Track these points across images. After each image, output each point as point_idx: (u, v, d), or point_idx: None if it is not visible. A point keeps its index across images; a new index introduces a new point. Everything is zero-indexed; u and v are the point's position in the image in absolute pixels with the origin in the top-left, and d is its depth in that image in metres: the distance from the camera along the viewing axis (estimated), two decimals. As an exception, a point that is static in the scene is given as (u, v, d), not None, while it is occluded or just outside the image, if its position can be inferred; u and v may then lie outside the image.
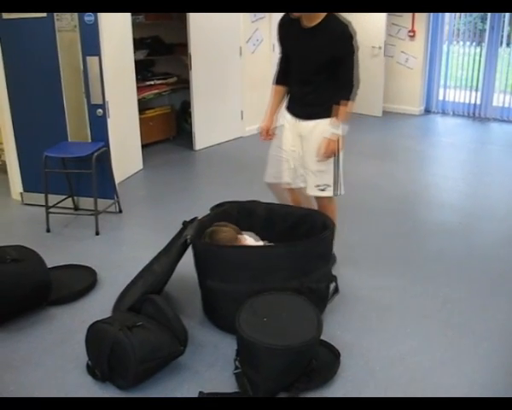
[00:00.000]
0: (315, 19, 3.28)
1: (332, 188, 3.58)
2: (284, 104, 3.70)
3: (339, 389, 2.73)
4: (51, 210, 4.66)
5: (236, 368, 2.76)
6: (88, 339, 2.84)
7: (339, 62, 3.30)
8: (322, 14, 3.27)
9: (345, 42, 3.28)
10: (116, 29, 5.40)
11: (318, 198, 3.69)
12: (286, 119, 3.66)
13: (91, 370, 2.81)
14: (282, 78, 3.66)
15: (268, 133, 3.72)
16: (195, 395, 2.65)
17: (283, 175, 3.69)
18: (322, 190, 3.58)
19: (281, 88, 3.68)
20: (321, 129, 3.46)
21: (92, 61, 4.61)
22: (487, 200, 5.34)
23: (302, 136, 3.56)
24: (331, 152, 3.46)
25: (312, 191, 3.63)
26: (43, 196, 4.61)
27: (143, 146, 6.33)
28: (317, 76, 3.41)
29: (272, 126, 3.72)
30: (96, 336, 2.79)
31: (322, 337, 2.89)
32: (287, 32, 3.49)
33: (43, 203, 4.60)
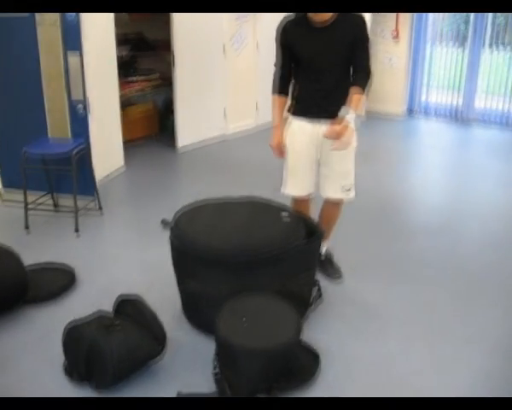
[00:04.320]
0: (329, 16, 3.21)
1: (353, 188, 3.52)
2: (288, 110, 3.54)
3: (317, 391, 2.72)
4: (30, 207, 4.59)
5: (215, 368, 2.74)
6: (65, 339, 2.79)
7: (356, 49, 3.24)
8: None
9: (361, 27, 3.27)
10: (98, 25, 5.34)
11: (332, 202, 3.57)
12: (297, 125, 3.47)
13: (68, 371, 2.77)
14: (284, 86, 3.49)
15: (280, 148, 3.50)
16: (174, 395, 2.63)
17: (309, 185, 3.56)
18: (348, 190, 3.49)
19: (284, 99, 3.51)
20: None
21: (73, 56, 4.56)
22: (469, 202, 5.37)
23: (324, 139, 3.32)
24: (350, 141, 3.26)
25: (337, 193, 3.50)
26: (22, 193, 4.54)
27: (125, 143, 6.26)
28: (334, 72, 3.32)
29: (282, 140, 3.50)
30: (72, 336, 2.75)
31: (304, 340, 2.89)
32: (293, 35, 3.35)
33: (22, 200, 4.54)
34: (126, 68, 6.93)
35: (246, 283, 3.00)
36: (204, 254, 3.02)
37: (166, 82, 7.12)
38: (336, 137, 3.14)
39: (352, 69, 3.32)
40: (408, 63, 8.86)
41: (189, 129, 7.08)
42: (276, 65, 3.51)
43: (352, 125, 3.21)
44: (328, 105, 3.32)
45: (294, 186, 3.58)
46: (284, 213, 3.29)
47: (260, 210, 3.43)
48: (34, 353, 3.00)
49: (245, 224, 3.23)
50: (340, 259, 3.89)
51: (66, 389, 2.71)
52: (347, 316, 3.39)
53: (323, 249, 3.77)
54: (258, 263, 3.00)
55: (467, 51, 8.47)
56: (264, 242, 3.05)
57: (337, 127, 3.13)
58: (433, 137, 8.20)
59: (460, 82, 8.68)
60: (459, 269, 3.97)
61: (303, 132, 3.45)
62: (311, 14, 3.22)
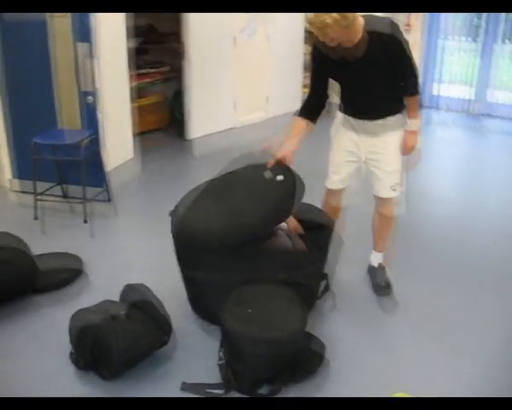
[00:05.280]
0: (357, 52, 2.92)
1: (399, 187, 3.43)
2: (338, 107, 3.39)
3: (323, 381, 2.72)
4: (40, 197, 4.62)
5: (220, 359, 2.75)
6: (71, 328, 2.81)
7: (399, 65, 3.04)
8: (363, 40, 2.89)
9: (398, 50, 2.98)
10: (109, 16, 5.33)
11: (384, 200, 3.48)
12: (345, 120, 3.35)
13: (74, 358, 2.79)
14: (310, 113, 3.26)
15: (284, 160, 3.18)
16: (178, 385, 2.64)
17: (344, 179, 3.49)
18: (394, 189, 3.41)
19: (304, 123, 3.24)
20: (393, 125, 3.24)
21: (83, 47, 4.56)
22: (480, 195, 5.34)
23: (372, 135, 3.27)
24: (414, 146, 3.27)
25: (386, 193, 3.40)
26: (32, 183, 4.57)
27: (135, 135, 6.28)
28: (380, 91, 3.15)
29: (289, 158, 3.19)
30: (79, 324, 2.76)
31: (310, 331, 2.89)
32: (327, 62, 3.05)
33: (33, 190, 4.57)
34: (137, 60, 6.94)
35: (250, 271, 2.99)
36: (204, 241, 2.99)
37: (177, 74, 7.12)
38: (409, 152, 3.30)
39: (402, 81, 3.14)
40: (420, 57, 8.80)
41: (199, 121, 7.08)
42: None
43: (417, 125, 3.26)
44: (373, 110, 3.23)
45: (337, 177, 3.48)
46: (269, 173, 3.11)
47: (256, 180, 3.23)
48: (41, 341, 3.02)
49: (243, 200, 3.11)
50: (347, 249, 3.87)
51: (71, 377, 2.73)
52: (354, 308, 3.38)
53: (375, 261, 3.68)
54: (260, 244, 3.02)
55: (479, 45, 8.40)
56: (262, 220, 3.01)
57: (409, 147, 3.27)
58: (444, 130, 8.15)
59: (472, 76, 8.62)
60: (468, 260, 3.96)
61: (347, 126, 3.36)
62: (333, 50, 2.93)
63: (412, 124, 3.26)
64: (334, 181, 3.50)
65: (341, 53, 2.93)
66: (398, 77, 3.11)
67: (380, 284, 3.56)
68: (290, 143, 3.19)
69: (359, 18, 2.88)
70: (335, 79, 3.21)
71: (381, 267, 3.66)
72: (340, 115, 3.41)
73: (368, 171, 3.42)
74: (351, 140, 3.35)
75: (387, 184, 3.38)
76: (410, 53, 3.08)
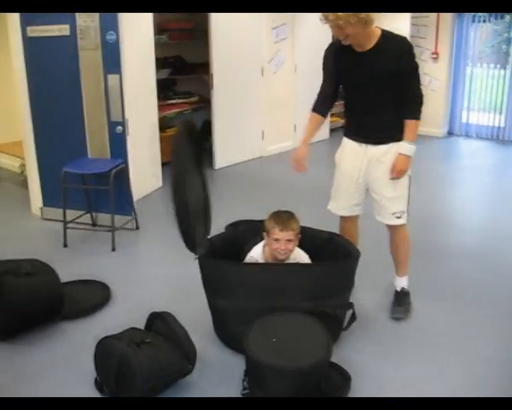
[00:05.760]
0: (368, 42, 3.11)
1: (405, 214, 3.44)
2: (343, 132, 3.54)
3: (348, 412, 2.68)
4: (69, 225, 4.70)
5: (244, 389, 2.73)
6: (96, 354, 2.83)
7: (404, 80, 3.15)
8: (376, 35, 3.11)
9: (407, 56, 3.14)
10: (138, 48, 5.47)
11: (392, 226, 3.50)
12: (346, 145, 3.46)
13: (99, 385, 2.80)
14: (322, 106, 3.46)
15: (301, 163, 3.43)
16: (202, 414, 2.62)
17: (348, 206, 3.54)
18: (399, 217, 3.41)
19: (318, 117, 3.47)
20: (395, 152, 3.28)
21: (113, 78, 4.68)
22: (509, 225, 5.24)
23: (371, 162, 3.34)
24: (405, 169, 3.30)
25: (389, 220, 3.43)
26: (61, 211, 4.65)
27: (163, 164, 6.36)
28: (380, 98, 3.23)
29: (305, 156, 3.43)
30: (104, 351, 2.78)
31: (335, 360, 2.86)
32: (337, 60, 3.28)
33: (62, 218, 4.64)
34: (166, 90, 7.07)
35: (277, 302, 2.99)
36: (236, 273, 3.06)
37: (205, 104, 7.23)
38: (399, 176, 3.31)
39: (404, 100, 3.22)
40: (448, 85, 8.78)
41: (227, 150, 7.15)
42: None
43: (412, 150, 3.28)
44: (376, 131, 3.31)
45: (335, 204, 3.58)
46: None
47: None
48: (66, 366, 3.04)
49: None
50: (375, 279, 3.84)
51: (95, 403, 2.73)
52: (380, 338, 3.33)
53: (398, 285, 3.67)
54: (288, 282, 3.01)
55: (508, 72, 8.34)
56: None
57: (400, 170, 3.28)
58: (473, 158, 8.07)
59: (502, 103, 8.55)
60: (496, 291, 3.88)
61: (350, 153, 3.43)
62: (346, 42, 3.11)
63: (407, 148, 3.26)
64: (333, 207, 3.59)
65: (352, 40, 3.09)
66: (401, 90, 3.18)
67: (395, 311, 3.56)
68: (301, 150, 3.43)
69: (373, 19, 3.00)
70: (343, 79, 3.35)
71: (404, 293, 3.65)
72: (344, 141, 3.48)
73: (372, 197, 3.47)
74: (353, 167, 3.41)
75: (389, 211, 3.40)
76: (418, 75, 3.21)
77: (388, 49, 3.11)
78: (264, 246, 3.31)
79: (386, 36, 3.14)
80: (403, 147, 3.26)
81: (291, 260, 3.24)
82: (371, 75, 3.18)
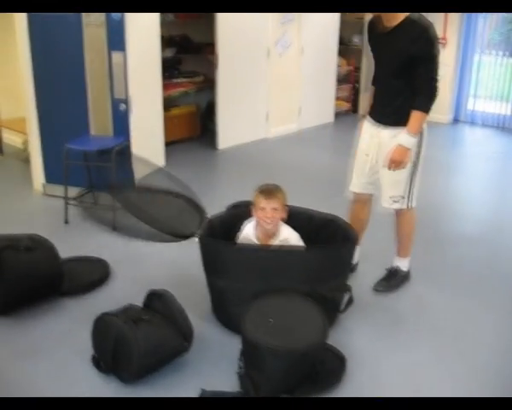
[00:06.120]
0: (394, 19, 3.12)
1: (405, 200, 3.44)
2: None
3: (342, 394, 2.69)
4: (71, 202, 4.70)
5: (240, 368, 2.74)
6: (94, 330, 2.84)
7: (417, 66, 3.10)
8: (402, 15, 3.10)
9: (424, 43, 3.08)
10: (144, 26, 5.43)
11: (395, 212, 3.56)
12: (366, 123, 3.52)
13: (96, 361, 2.82)
14: (373, 80, 3.54)
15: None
16: (197, 392, 2.64)
17: (361, 184, 3.59)
18: (396, 201, 3.43)
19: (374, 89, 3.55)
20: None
21: (117, 56, 4.66)
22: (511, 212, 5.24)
23: (381, 144, 3.37)
24: (400, 160, 3.26)
25: (386, 203, 3.47)
26: (63, 187, 4.65)
27: (167, 144, 6.35)
28: (396, 81, 3.24)
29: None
30: (101, 327, 2.80)
31: (331, 343, 2.87)
32: (371, 34, 3.39)
33: (63, 195, 4.65)
34: (171, 69, 7.03)
35: (275, 283, 2.99)
36: (236, 254, 3.08)
37: (210, 84, 7.19)
38: (394, 166, 3.31)
39: (415, 88, 3.18)
40: (455, 72, 8.71)
41: (231, 131, 7.13)
42: None
43: (410, 142, 3.23)
44: (388, 113, 3.33)
45: (352, 181, 3.64)
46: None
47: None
48: (65, 343, 3.06)
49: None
50: (375, 264, 3.84)
51: (91, 380, 2.75)
52: (378, 322, 3.34)
53: (395, 262, 3.73)
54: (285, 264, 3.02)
55: (517, 60, 8.27)
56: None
57: (392, 160, 3.27)
58: (478, 145, 8.03)
59: (509, 91, 8.48)
60: (497, 279, 3.88)
61: (367, 132, 3.49)
62: (382, 16, 3.17)
63: (406, 139, 3.22)
64: (354, 183, 3.62)
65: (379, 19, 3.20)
66: (415, 79, 3.16)
67: (377, 283, 3.67)
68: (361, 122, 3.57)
69: None
70: (373, 56, 3.42)
71: (395, 270, 3.72)
72: (366, 118, 3.53)
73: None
74: (368, 145, 3.46)
75: (387, 194, 3.43)
76: (433, 66, 3.15)
77: (409, 31, 3.11)
78: (256, 225, 3.31)
79: (412, 18, 3.11)
80: (402, 138, 3.23)
81: (281, 239, 3.24)
82: (390, 55, 3.23)
